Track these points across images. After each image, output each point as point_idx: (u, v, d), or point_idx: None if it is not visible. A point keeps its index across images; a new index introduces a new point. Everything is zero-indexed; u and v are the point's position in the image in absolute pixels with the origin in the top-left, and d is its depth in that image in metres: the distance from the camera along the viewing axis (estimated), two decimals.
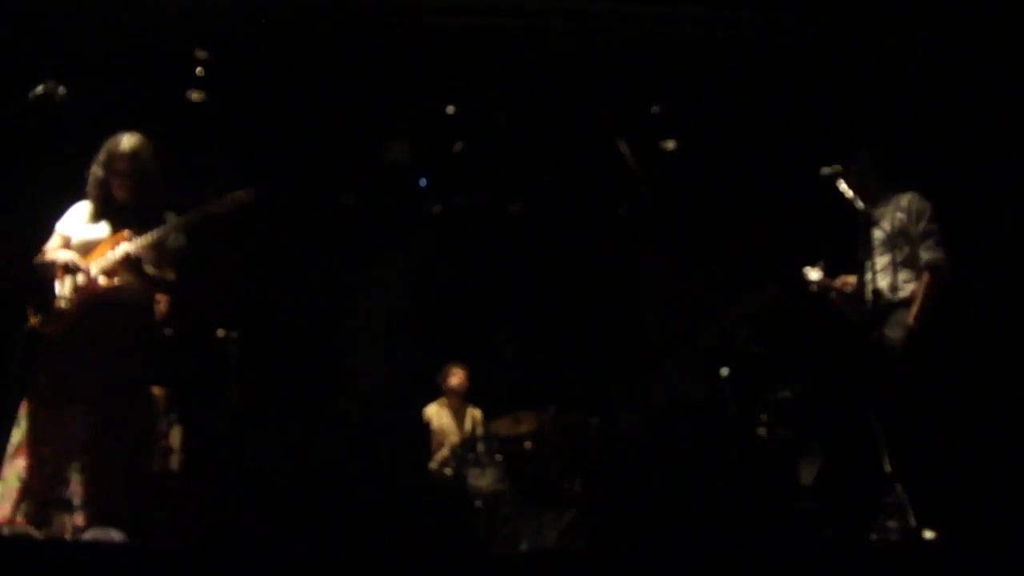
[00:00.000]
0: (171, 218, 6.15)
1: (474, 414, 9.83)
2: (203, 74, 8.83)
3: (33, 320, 5.93)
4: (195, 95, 8.90)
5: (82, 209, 6.16)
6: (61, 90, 5.90)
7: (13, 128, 5.98)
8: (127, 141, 6.07)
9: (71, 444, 5.73)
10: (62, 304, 5.89)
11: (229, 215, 6.21)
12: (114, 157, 6.06)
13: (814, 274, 7.11)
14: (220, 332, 8.47)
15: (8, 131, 6.15)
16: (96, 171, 6.10)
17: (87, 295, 5.91)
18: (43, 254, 6.06)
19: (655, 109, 9.63)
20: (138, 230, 5.99)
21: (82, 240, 6.05)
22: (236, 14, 8.43)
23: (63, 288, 5.94)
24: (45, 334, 5.93)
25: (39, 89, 5.85)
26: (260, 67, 9.14)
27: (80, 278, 5.90)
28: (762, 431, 8.12)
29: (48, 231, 6.17)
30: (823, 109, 9.07)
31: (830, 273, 7.08)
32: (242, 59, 8.99)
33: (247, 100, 9.50)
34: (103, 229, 6.10)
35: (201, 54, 8.71)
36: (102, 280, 5.92)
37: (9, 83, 6.25)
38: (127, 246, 5.92)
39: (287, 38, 8.79)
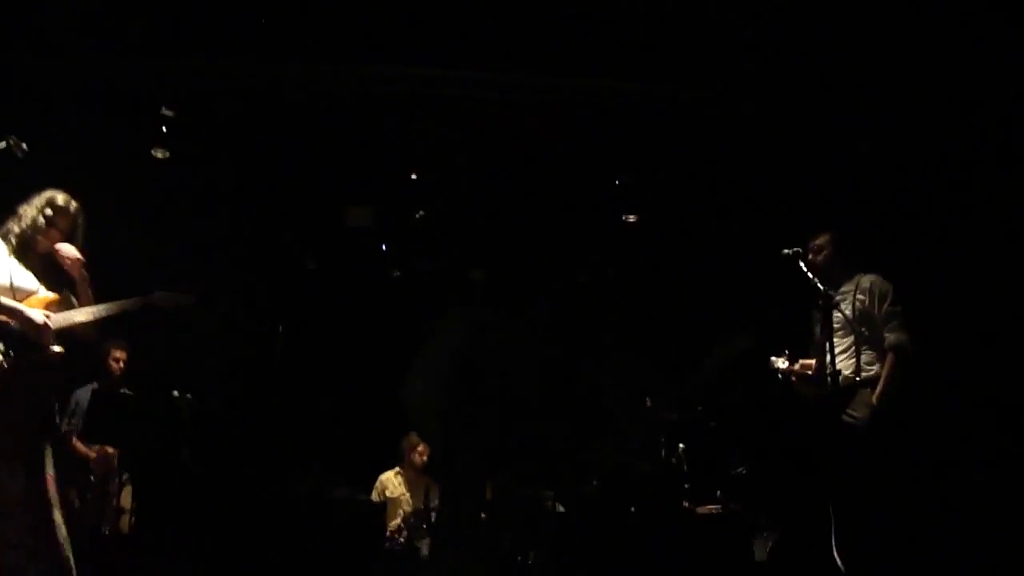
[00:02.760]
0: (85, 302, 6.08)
1: (429, 484, 9.63)
2: (167, 132, 8.79)
3: None
4: (159, 152, 8.86)
5: None
6: (24, 146, 5.82)
7: None
8: (73, 202, 5.98)
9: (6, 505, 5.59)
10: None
11: (169, 311, 6.27)
12: (57, 210, 5.94)
13: (781, 363, 7.13)
14: (175, 393, 8.40)
15: None
16: (36, 217, 5.96)
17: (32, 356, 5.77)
18: None
19: (618, 181, 9.66)
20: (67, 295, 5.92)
21: (4, 285, 5.84)
22: (204, 75, 8.46)
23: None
24: None
25: (1, 145, 5.78)
26: (225, 128, 9.13)
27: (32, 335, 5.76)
28: (717, 507, 8.11)
29: None
30: (786, 188, 9.13)
31: (792, 355, 7.10)
32: (207, 120, 8.98)
33: (211, 160, 9.48)
34: (24, 278, 5.82)
35: (167, 112, 8.68)
36: (54, 348, 5.80)
37: None
38: (80, 315, 5.86)
39: (253, 101, 8.82)
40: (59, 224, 5.92)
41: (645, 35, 7.99)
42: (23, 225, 5.87)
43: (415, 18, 7.96)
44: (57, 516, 5.63)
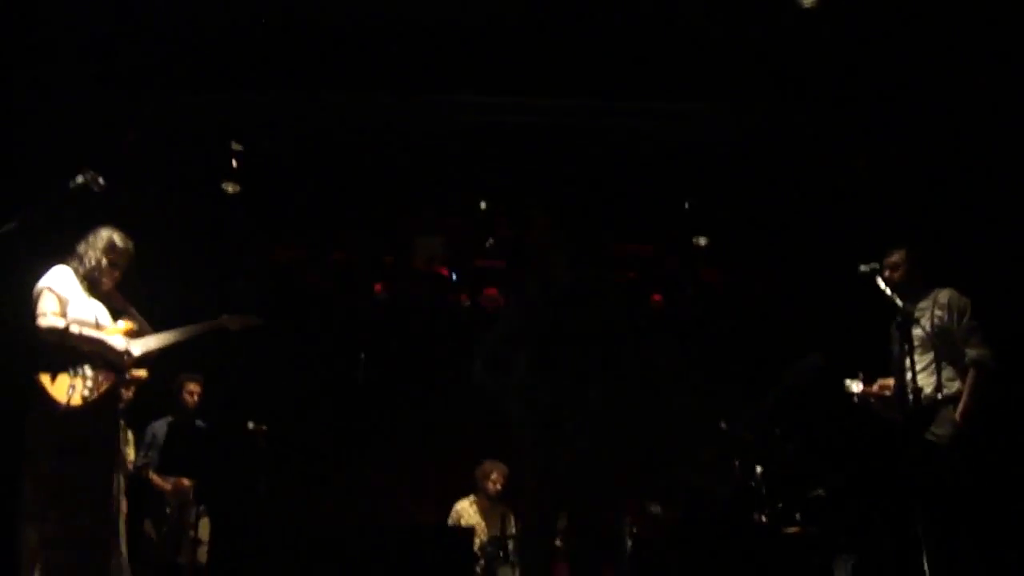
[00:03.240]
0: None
1: (506, 511, 9.61)
2: (238, 166, 8.87)
3: (75, 400, 5.84)
4: (230, 187, 8.94)
5: (69, 276, 6.09)
6: (100, 181, 5.92)
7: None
8: (129, 242, 6.29)
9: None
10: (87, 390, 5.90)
11: (235, 332, 6.88)
12: (119, 252, 6.23)
13: (856, 386, 7.02)
14: (250, 424, 8.44)
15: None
16: (100, 259, 6.17)
17: (114, 390, 6.04)
18: (63, 321, 5.91)
19: (687, 204, 9.62)
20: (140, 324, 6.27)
21: (84, 319, 6.01)
22: (273, 109, 8.53)
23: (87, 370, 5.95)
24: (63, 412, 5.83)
25: (78, 179, 5.87)
26: (295, 160, 9.20)
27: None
28: (795, 529, 8.01)
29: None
30: (858, 205, 9.03)
31: (868, 376, 7.00)
32: (278, 153, 9.05)
33: (282, 193, 9.56)
34: (101, 312, 6.14)
35: (237, 146, 8.75)
36: (136, 371, 6.16)
37: (49, 173, 6.31)
38: (155, 341, 6.30)
39: (323, 133, 8.87)
40: (120, 264, 6.24)
41: (705, 57, 7.95)
42: (88, 266, 6.17)
43: (477, 47, 7.97)
44: (121, 544, 6.00)
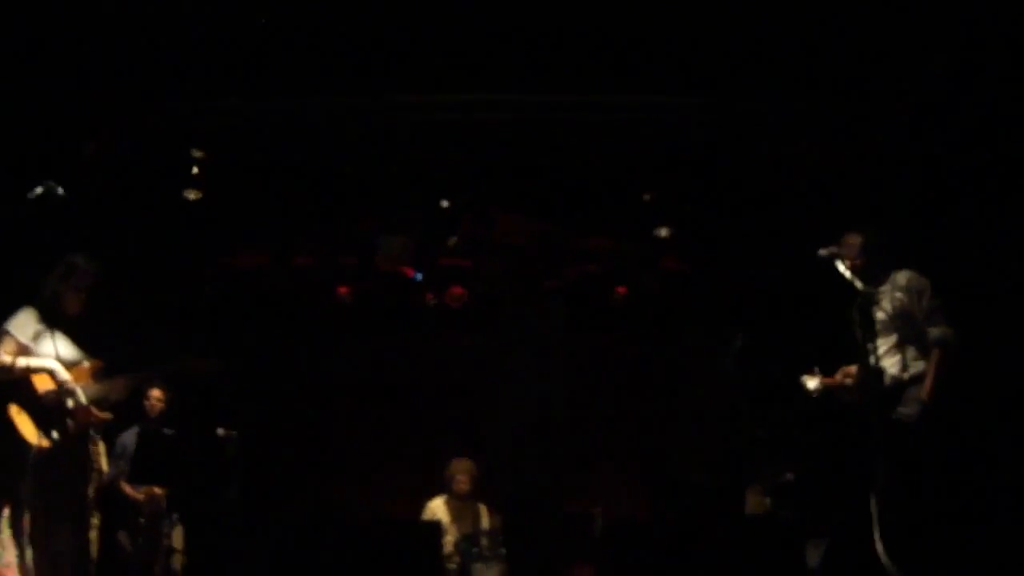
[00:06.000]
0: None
1: (478, 508, 9.62)
2: (199, 173, 8.84)
3: (44, 442, 6.02)
4: (192, 194, 8.91)
5: (30, 319, 6.22)
6: (60, 191, 5.95)
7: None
8: (89, 261, 6.40)
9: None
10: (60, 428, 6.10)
11: (196, 376, 7.27)
12: (80, 274, 6.33)
13: (812, 382, 7.07)
14: (220, 431, 8.42)
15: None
16: (57, 286, 6.29)
17: (83, 422, 6.24)
18: (10, 359, 6.06)
19: (647, 197, 9.64)
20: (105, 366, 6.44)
21: (45, 353, 6.20)
22: (233, 115, 8.51)
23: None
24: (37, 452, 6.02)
25: (38, 189, 5.90)
26: (255, 164, 9.18)
27: (71, 403, 6.18)
28: (767, 513, 8.08)
29: None
30: (817, 190, 9.08)
31: (827, 364, 7.05)
32: (238, 157, 9.03)
33: (243, 197, 9.53)
34: (63, 346, 6.28)
35: (197, 153, 8.73)
36: (95, 411, 6.31)
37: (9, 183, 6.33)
38: (117, 385, 6.47)
39: (281, 136, 8.85)
40: (83, 285, 6.38)
41: (659, 49, 7.97)
42: (46, 297, 6.31)
43: (434, 44, 7.97)
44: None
